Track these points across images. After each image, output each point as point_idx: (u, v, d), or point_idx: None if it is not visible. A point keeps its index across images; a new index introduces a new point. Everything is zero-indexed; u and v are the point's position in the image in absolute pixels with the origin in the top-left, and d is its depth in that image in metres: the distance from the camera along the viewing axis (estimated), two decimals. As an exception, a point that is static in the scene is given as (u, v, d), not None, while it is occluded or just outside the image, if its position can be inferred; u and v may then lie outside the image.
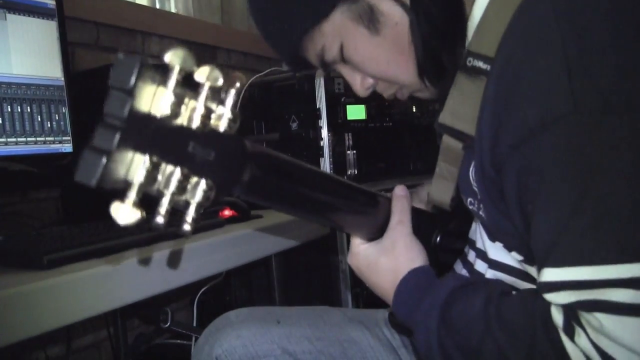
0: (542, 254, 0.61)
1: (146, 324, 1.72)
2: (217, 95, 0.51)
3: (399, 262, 0.77)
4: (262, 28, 0.79)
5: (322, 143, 1.56)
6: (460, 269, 0.86)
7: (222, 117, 0.51)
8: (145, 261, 0.91)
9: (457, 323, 0.68)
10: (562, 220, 0.58)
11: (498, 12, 0.66)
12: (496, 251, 0.75)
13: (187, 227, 0.51)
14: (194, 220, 0.51)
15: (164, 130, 0.48)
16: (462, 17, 0.72)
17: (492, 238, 0.75)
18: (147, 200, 0.48)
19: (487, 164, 0.66)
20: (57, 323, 0.78)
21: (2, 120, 1.09)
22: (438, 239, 0.83)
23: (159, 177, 0.48)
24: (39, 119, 1.16)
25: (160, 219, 0.49)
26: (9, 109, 1.10)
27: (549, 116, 0.58)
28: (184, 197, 0.50)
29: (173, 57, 0.48)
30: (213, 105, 0.51)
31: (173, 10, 2.09)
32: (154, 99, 0.47)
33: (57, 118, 1.19)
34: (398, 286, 0.76)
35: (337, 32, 0.75)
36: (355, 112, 1.61)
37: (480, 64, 0.68)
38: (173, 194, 0.49)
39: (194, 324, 1.61)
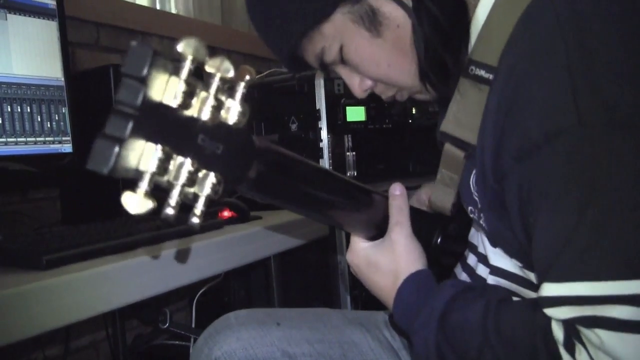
0: (543, 268, 0.61)
1: (145, 325, 1.72)
2: (227, 88, 0.51)
3: (398, 264, 0.77)
4: (261, 29, 0.78)
5: (321, 144, 1.56)
6: (460, 273, 0.85)
7: (231, 110, 0.51)
8: (144, 262, 0.91)
9: (456, 333, 0.68)
10: (564, 235, 0.58)
11: (500, 19, 0.66)
12: (497, 257, 0.75)
13: (195, 219, 0.51)
14: (203, 213, 0.51)
15: (175, 120, 0.48)
16: (465, 21, 0.72)
17: (494, 244, 0.74)
18: (156, 193, 0.48)
19: (488, 175, 0.65)
20: (55, 323, 0.78)
21: (2, 120, 1.09)
22: (439, 240, 0.83)
23: (170, 168, 0.48)
24: (39, 119, 1.16)
25: (170, 211, 0.49)
26: (9, 109, 1.10)
27: (553, 130, 0.58)
28: (193, 190, 0.50)
29: (186, 47, 0.48)
30: (223, 98, 0.51)
31: (173, 10, 2.09)
32: (166, 88, 0.47)
33: (56, 118, 1.19)
34: (398, 291, 0.76)
35: (337, 34, 0.74)
36: (355, 114, 1.61)
37: (482, 73, 0.67)
38: (183, 186, 0.49)
39: (193, 325, 1.61)
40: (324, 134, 1.56)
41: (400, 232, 0.78)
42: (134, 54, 0.45)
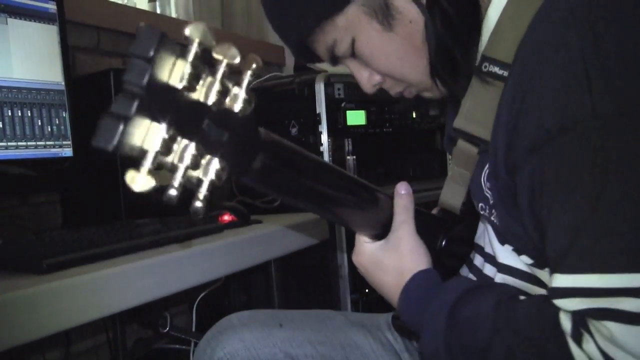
0: (554, 260, 0.61)
1: (145, 329, 1.72)
2: (233, 75, 0.51)
3: (403, 263, 0.78)
4: (273, 16, 0.79)
5: (322, 148, 1.56)
6: (466, 274, 0.85)
7: (237, 97, 0.51)
8: (144, 266, 0.91)
9: (466, 324, 0.67)
10: (575, 226, 0.58)
11: (514, 17, 0.66)
12: (505, 255, 0.75)
13: (198, 204, 0.50)
14: (206, 198, 0.51)
15: (181, 102, 0.48)
16: (477, 19, 0.73)
17: (502, 241, 0.75)
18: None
19: (501, 168, 0.66)
20: (56, 327, 0.78)
21: (3, 124, 1.09)
22: (444, 243, 0.83)
23: (174, 149, 0.48)
24: (39, 123, 1.16)
25: (173, 192, 0.48)
26: (10, 113, 1.10)
27: (567, 121, 0.58)
28: (196, 174, 0.50)
29: (193, 31, 0.48)
30: (229, 84, 0.51)
31: (174, 15, 2.09)
32: (173, 70, 0.47)
33: (57, 122, 1.19)
34: (404, 289, 0.76)
35: (350, 26, 0.75)
36: (355, 118, 1.61)
37: (496, 70, 0.68)
38: (187, 169, 0.48)
39: (193, 329, 1.61)
40: (324, 137, 1.56)
41: (405, 231, 0.79)
42: (143, 36, 0.45)
